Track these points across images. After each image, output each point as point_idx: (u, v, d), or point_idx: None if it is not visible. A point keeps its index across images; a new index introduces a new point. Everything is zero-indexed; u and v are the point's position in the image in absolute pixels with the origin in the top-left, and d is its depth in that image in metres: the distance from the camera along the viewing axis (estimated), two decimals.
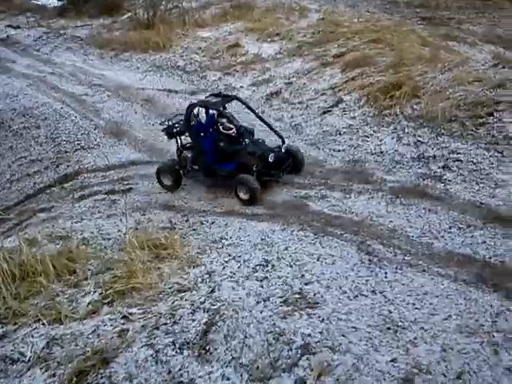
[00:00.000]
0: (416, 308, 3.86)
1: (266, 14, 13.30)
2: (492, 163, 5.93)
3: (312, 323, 3.59)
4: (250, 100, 9.22)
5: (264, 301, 3.88)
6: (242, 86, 9.90)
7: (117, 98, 10.12)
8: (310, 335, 3.44)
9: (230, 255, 4.83)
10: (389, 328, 3.59)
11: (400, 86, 7.88)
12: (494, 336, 3.49)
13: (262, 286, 4.14)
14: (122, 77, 11.31)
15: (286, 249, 4.92)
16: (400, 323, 3.66)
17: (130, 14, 15.71)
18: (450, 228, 4.98)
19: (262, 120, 6.81)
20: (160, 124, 6.95)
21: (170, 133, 6.69)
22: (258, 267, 4.55)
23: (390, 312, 3.80)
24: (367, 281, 4.28)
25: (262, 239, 5.16)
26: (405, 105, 7.49)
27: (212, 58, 11.31)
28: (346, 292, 4.11)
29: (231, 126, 6.41)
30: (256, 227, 5.51)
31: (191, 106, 6.40)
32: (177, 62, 11.59)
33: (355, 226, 5.28)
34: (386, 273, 4.38)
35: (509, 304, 3.82)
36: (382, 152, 6.79)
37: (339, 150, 7.13)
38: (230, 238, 5.29)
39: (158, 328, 3.55)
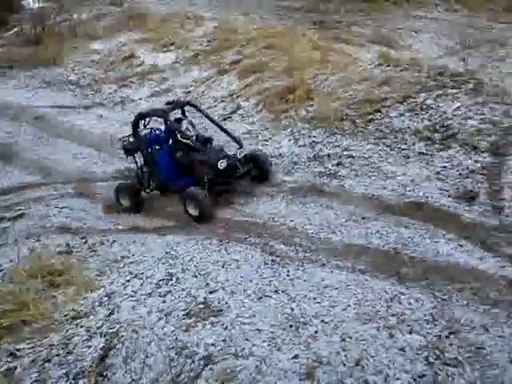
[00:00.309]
0: (317, 302, 3.95)
1: (160, 24, 13.16)
2: (381, 157, 6.28)
3: (215, 332, 3.57)
4: None
5: (166, 316, 3.79)
6: (140, 98, 9.72)
7: (4, 119, 9.50)
8: (213, 344, 3.41)
9: (131, 273, 4.68)
10: (291, 325, 3.65)
11: (294, 90, 8.14)
12: (389, 320, 3.67)
13: (164, 302, 4.05)
14: (9, 96, 10.64)
15: (191, 259, 4.85)
16: (302, 319, 3.73)
17: (16, 29, 14.86)
18: (346, 221, 5.18)
19: (216, 125, 6.46)
20: (119, 140, 6.51)
21: (128, 149, 6.21)
22: (161, 282, 4.45)
23: (292, 309, 3.86)
24: (270, 281, 4.32)
25: (166, 253, 5.05)
26: (299, 107, 7.75)
27: (107, 71, 11.01)
28: (250, 295, 4.13)
29: (190, 132, 5.94)
30: (160, 241, 5.38)
31: (139, 116, 5.95)
32: (69, 77, 11.15)
33: (258, 229, 5.33)
34: (288, 271, 4.45)
35: (401, 288, 4.04)
36: (280, 154, 6.96)
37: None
38: (133, 255, 5.12)
39: (49, 361, 3.34)
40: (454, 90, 7.05)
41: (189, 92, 9.45)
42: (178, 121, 6.14)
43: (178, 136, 5.97)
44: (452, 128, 6.39)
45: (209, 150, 5.97)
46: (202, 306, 3.97)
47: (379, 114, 7.09)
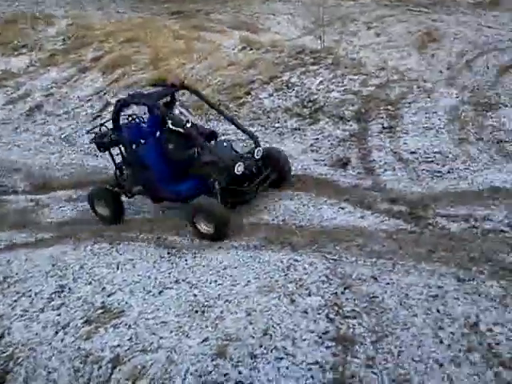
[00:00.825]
0: (219, 284, 3.99)
1: (6, 26, 12.06)
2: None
3: (119, 333, 3.45)
4: (8, 120, 8.41)
5: (63, 328, 3.59)
6: None
7: None
8: (118, 345, 3.30)
9: (18, 293, 4.34)
10: (196, 311, 3.65)
11: (164, 81, 8.02)
12: (288, 287, 3.82)
13: (59, 314, 3.82)
14: None
15: (82, 267, 4.61)
16: (206, 303, 3.74)
17: None
18: None
19: (223, 115, 5.45)
20: (87, 132, 5.54)
21: (101, 143, 5.13)
22: (53, 295, 4.19)
23: (195, 295, 3.86)
24: (170, 273, 4.27)
25: (53, 265, 4.74)
26: None
27: None
28: (150, 291, 4.05)
29: (186, 118, 4.78)
30: (44, 254, 5.03)
31: (120, 103, 4.79)
32: None
33: (149, 225, 5.21)
34: (186, 260, 4.43)
35: (295, 256, 4.22)
36: None
37: (117, 154, 6.95)
38: (16, 273, 4.73)
39: None
40: (315, 67, 7.50)
41: (50, 94, 8.87)
42: (167, 105, 5.01)
43: (170, 124, 4.77)
44: (318, 102, 6.80)
45: (216, 148, 4.85)
46: (101, 310, 3.82)
47: (250, 96, 7.30)
